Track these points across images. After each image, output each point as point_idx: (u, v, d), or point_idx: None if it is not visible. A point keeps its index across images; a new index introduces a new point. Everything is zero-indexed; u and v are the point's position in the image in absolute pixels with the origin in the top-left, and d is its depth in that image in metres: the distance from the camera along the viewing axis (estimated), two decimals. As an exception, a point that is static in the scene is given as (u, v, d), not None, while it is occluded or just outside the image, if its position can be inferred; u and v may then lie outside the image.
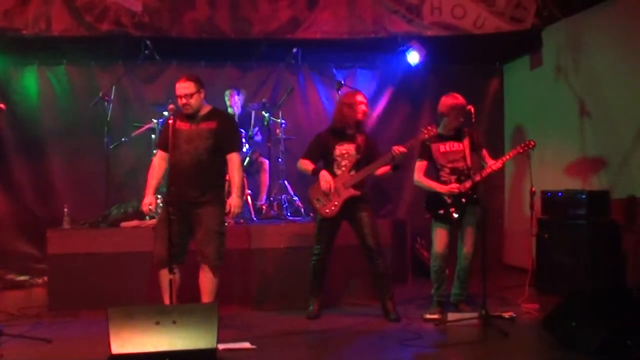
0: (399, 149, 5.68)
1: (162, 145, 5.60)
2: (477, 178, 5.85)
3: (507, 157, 6.08)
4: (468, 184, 5.86)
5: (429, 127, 5.76)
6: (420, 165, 6.15)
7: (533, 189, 6.39)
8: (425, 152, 6.12)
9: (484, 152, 6.13)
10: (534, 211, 6.57)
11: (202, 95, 5.56)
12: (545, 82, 8.31)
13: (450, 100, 5.97)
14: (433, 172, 6.18)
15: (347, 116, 5.95)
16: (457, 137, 6.02)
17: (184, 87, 5.45)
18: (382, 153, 5.90)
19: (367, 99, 6.12)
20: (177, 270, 5.33)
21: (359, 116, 5.96)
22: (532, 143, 6.00)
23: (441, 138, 6.06)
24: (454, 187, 5.92)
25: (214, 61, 8.80)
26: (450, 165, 6.04)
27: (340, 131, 6.01)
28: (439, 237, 6.02)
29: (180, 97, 5.45)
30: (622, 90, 6.81)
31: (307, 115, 9.10)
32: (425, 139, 5.79)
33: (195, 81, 5.51)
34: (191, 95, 5.46)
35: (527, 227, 6.92)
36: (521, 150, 6.00)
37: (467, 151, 5.92)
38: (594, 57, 7.29)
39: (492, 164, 5.98)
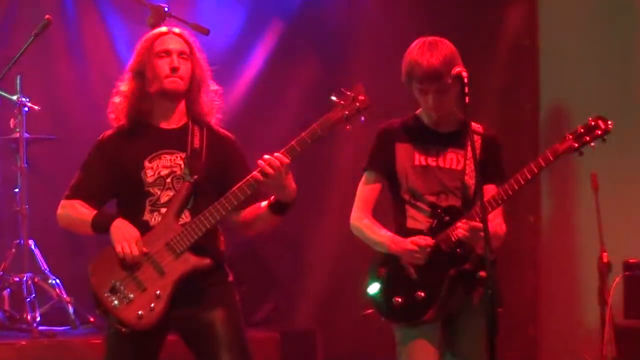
0: (269, 163, 5.24)
1: None
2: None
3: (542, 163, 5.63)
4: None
5: (355, 91, 5.37)
6: (367, 190, 5.96)
7: (605, 256, 6.73)
8: (383, 160, 5.90)
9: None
10: (609, 307, 6.85)
11: None
12: (624, 10, 8.77)
13: (411, 54, 5.60)
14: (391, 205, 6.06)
15: (142, 93, 5.66)
16: (454, 138, 5.77)
17: None
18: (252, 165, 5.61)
19: (189, 41, 5.68)
20: None
21: (166, 85, 5.58)
22: (608, 125, 5.50)
23: (419, 137, 5.82)
24: (417, 243, 5.54)
25: None
26: (431, 197, 5.77)
27: (144, 127, 5.71)
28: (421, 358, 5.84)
29: None
30: None
31: (84, 84, 9.24)
32: (344, 116, 5.31)
33: None
34: None
35: (592, 342, 7.42)
36: (576, 145, 5.51)
37: (470, 171, 5.72)
38: None
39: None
